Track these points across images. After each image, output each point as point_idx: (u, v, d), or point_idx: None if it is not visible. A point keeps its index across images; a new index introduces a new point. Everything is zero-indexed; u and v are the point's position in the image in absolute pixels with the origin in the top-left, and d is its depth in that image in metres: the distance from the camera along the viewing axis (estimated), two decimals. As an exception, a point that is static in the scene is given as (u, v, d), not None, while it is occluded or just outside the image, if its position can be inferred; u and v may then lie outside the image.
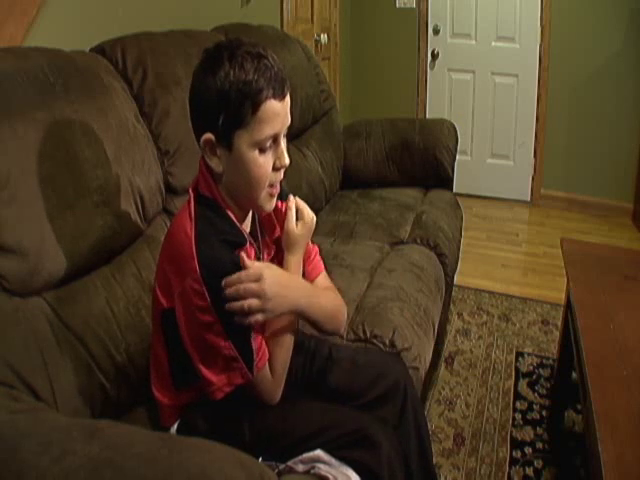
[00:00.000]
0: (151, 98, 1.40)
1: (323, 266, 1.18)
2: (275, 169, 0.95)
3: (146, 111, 1.39)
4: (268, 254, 1.07)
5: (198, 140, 0.94)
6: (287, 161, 0.96)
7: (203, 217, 0.94)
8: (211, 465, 0.71)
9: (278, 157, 0.95)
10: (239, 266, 0.93)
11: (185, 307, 0.92)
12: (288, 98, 0.94)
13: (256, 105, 0.88)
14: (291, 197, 1.05)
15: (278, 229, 1.10)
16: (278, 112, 0.91)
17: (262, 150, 0.92)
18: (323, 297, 1.07)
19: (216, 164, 0.94)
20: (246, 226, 1.03)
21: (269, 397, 1.00)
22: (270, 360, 0.99)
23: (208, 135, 0.91)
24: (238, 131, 0.90)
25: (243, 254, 0.94)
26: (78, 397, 1.04)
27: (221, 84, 0.88)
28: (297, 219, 1.04)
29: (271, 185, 0.96)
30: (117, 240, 1.20)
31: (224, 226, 0.96)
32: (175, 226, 0.97)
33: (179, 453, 0.73)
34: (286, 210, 1.06)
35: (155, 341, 1.06)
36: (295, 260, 1.04)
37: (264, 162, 0.93)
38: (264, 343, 0.98)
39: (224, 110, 0.89)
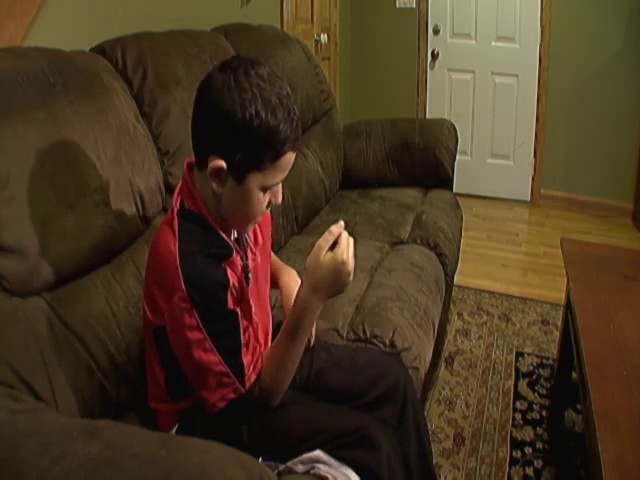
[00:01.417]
0: (151, 98, 1.40)
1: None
2: (268, 205, 0.97)
3: (146, 111, 1.39)
4: (253, 259, 1.07)
5: (199, 152, 0.93)
6: (280, 200, 0.98)
7: (187, 232, 0.93)
8: (211, 465, 0.71)
9: (274, 195, 0.97)
10: (226, 280, 0.93)
11: (174, 326, 0.92)
12: None
13: (277, 156, 0.90)
14: (341, 222, 1.00)
15: (260, 237, 1.11)
16: (290, 161, 0.93)
17: (265, 190, 0.94)
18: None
19: (216, 187, 0.92)
20: (229, 233, 1.03)
21: (262, 408, 1.01)
22: (264, 389, 0.99)
23: (220, 162, 0.89)
24: (254, 172, 0.90)
25: None
26: (78, 397, 1.04)
27: (250, 119, 0.86)
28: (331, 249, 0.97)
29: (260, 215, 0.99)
30: (117, 240, 1.20)
31: (210, 239, 0.95)
32: (158, 243, 0.95)
33: (179, 453, 0.73)
34: (272, 219, 1.09)
35: (149, 356, 1.05)
36: (305, 299, 0.97)
37: (264, 200, 0.95)
38: (256, 358, 0.98)
39: (246, 148, 0.88)
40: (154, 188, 1.32)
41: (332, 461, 0.97)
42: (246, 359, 0.95)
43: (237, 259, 1.00)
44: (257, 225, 1.09)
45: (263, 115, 0.86)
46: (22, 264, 0.97)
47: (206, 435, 0.97)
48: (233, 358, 0.93)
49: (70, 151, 1.09)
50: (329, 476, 0.95)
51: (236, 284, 0.96)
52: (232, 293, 0.94)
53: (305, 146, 2.24)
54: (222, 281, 0.92)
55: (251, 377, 0.96)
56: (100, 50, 1.40)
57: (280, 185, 0.97)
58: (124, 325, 1.15)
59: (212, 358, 0.91)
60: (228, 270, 0.94)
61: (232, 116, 0.86)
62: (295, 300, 0.99)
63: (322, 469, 0.96)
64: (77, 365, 1.05)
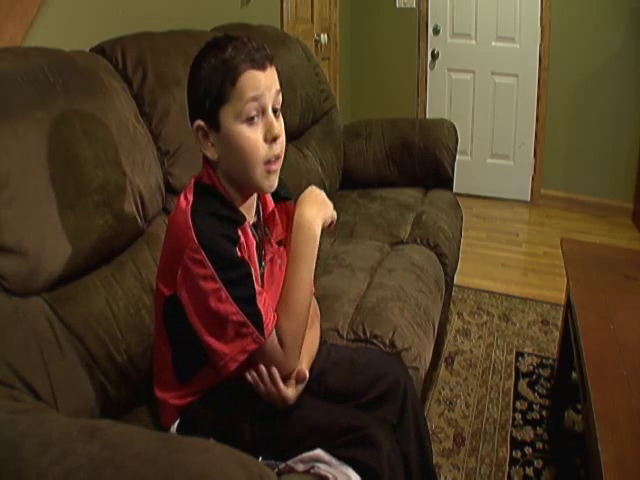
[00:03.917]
0: (151, 98, 1.40)
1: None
2: (267, 142, 0.94)
3: (146, 111, 1.39)
4: (270, 252, 1.07)
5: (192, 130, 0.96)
6: (277, 131, 0.94)
7: (201, 199, 0.94)
8: (211, 465, 0.71)
9: (268, 129, 0.93)
10: (236, 237, 0.93)
11: (188, 281, 0.92)
12: (273, 71, 0.94)
13: (235, 78, 0.90)
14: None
15: (282, 231, 1.10)
16: (258, 80, 0.91)
17: (250, 123, 0.92)
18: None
19: (211, 152, 0.95)
20: (249, 217, 1.03)
21: (283, 366, 0.99)
22: (278, 331, 0.97)
23: (198, 122, 0.93)
24: (222, 108, 0.91)
25: None
26: (78, 397, 1.04)
27: (204, 72, 0.91)
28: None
29: (267, 162, 0.95)
30: (117, 240, 1.20)
31: (221, 206, 0.96)
32: (174, 211, 0.98)
33: (179, 453, 0.73)
34: (293, 210, 1.07)
35: (158, 337, 1.06)
36: (296, 216, 1.01)
37: (252, 134, 0.92)
38: (270, 305, 0.98)
39: (208, 92, 0.91)
40: (154, 188, 1.32)
41: (332, 460, 0.96)
42: (262, 307, 0.94)
43: (252, 240, 1.00)
44: (279, 219, 1.09)
45: (213, 59, 0.90)
46: (22, 264, 0.97)
47: (208, 433, 0.98)
48: (249, 307, 0.92)
49: (70, 151, 1.09)
50: (329, 475, 0.95)
51: (246, 249, 0.96)
52: (241, 251, 0.94)
53: (305, 146, 2.24)
54: (231, 235, 0.93)
55: (269, 326, 0.95)
56: (100, 50, 1.40)
57: (270, 116, 0.94)
58: (124, 325, 1.15)
59: (229, 308, 0.91)
60: (240, 233, 0.95)
61: (194, 81, 0.93)
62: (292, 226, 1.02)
63: (322, 468, 0.96)
64: (77, 365, 1.05)
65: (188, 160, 1.41)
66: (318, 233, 1.01)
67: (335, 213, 1.06)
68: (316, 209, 1.02)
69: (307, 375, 1.01)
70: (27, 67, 1.08)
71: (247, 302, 0.93)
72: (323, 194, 1.06)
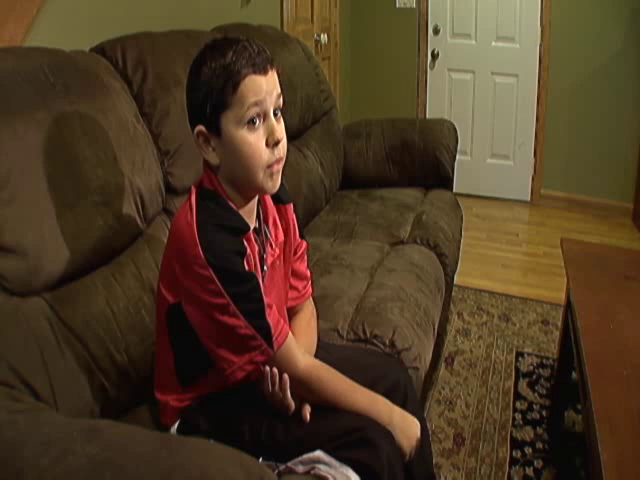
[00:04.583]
0: (151, 98, 1.40)
1: (311, 290, 1.21)
2: (269, 146, 0.94)
3: (146, 111, 1.39)
4: (272, 255, 1.07)
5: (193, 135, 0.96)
6: (279, 136, 0.94)
7: (204, 207, 0.94)
8: (211, 465, 0.71)
9: (270, 133, 0.93)
10: (243, 249, 0.94)
11: (196, 296, 0.92)
12: (274, 74, 0.94)
13: (236, 84, 0.89)
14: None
15: (281, 234, 1.10)
16: (260, 85, 0.91)
17: (251, 128, 0.92)
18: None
19: (212, 157, 0.94)
20: (250, 222, 1.03)
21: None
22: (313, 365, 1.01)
23: (199, 127, 0.93)
24: (223, 114, 0.91)
25: None
26: (78, 397, 1.04)
27: (204, 77, 0.90)
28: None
29: (269, 165, 0.95)
30: (117, 240, 1.20)
31: (225, 215, 0.96)
32: (177, 219, 0.98)
33: (179, 453, 0.73)
34: (294, 220, 1.09)
35: (160, 341, 1.05)
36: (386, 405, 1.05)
37: (254, 139, 0.92)
38: (282, 319, 0.99)
39: (209, 98, 0.90)
40: (154, 188, 1.32)
41: (333, 461, 0.96)
42: (272, 319, 0.95)
43: (254, 247, 1.00)
44: (279, 222, 1.09)
45: (213, 63, 0.89)
46: (22, 264, 0.97)
47: (208, 433, 0.97)
48: (258, 320, 0.93)
49: (70, 151, 1.09)
50: (329, 476, 0.95)
51: (252, 258, 0.96)
52: (248, 262, 0.94)
53: (305, 146, 2.24)
54: (238, 248, 0.93)
55: (278, 338, 0.96)
56: (100, 50, 1.40)
57: (272, 120, 0.93)
58: (124, 325, 1.15)
59: (238, 322, 0.92)
60: (245, 243, 0.95)
61: (193, 86, 0.92)
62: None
63: (322, 469, 0.96)
64: (77, 365, 1.05)
65: (188, 160, 1.41)
66: (384, 421, 1.02)
67: (412, 451, 1.05)
68: (399, 431, 1.03)
69: (307, 420, 1.01)
70: (27, 67, 1.08)
71: (256, 315, 0.94)
72: (417, 435, 1.06)
